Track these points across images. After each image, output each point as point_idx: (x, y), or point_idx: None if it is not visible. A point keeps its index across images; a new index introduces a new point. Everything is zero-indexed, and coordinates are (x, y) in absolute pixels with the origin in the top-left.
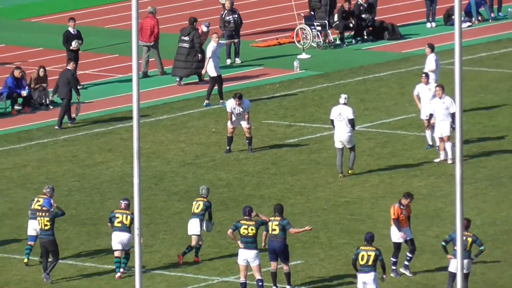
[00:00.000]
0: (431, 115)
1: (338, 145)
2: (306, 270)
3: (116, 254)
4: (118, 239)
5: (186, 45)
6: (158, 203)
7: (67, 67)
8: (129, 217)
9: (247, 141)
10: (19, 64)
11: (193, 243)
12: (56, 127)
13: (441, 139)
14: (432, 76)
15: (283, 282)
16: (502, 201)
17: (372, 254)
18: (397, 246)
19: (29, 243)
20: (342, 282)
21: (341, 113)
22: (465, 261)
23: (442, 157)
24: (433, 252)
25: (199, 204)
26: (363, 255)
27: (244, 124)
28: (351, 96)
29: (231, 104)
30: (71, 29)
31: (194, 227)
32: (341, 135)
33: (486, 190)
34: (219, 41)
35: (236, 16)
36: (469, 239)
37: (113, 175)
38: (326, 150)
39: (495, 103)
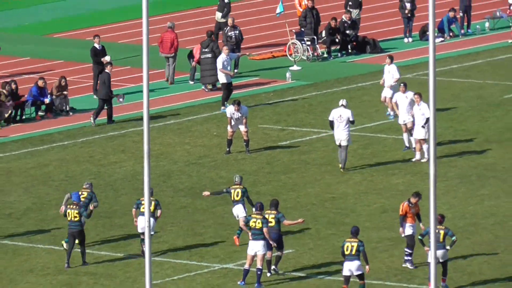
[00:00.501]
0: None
1: (338, 142)
2: (296, 258)
3: (142, 236)
4: (142, 223)
5: (209, 55)
6: (165, 199)
7: (106, 70)
8: (152, 203)
9: (245, 143)
10: (42, 74)
11: (241, 223)
12: (92, 123)
13: (418, 141)
14: (390, 83)
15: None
16: (470, 197)
17: (355, 245)
18: (410, 238)
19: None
20: (329, 269)
21: (341, 115)
22: (442, 251)
23: (417, 157)
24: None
25: (237, 192)
26: (347, 246)
27: (242, 128)
28: (337, 103)
29: (230, 110)
30: (96, 45)
31: (239, 211)
32: (340, 134)
33: (456, 187)
34: (229, 53)
35: (237, 32)
36: (442, 232)
37: (126, 173)
38: (315, 151)
39: (465, 109)
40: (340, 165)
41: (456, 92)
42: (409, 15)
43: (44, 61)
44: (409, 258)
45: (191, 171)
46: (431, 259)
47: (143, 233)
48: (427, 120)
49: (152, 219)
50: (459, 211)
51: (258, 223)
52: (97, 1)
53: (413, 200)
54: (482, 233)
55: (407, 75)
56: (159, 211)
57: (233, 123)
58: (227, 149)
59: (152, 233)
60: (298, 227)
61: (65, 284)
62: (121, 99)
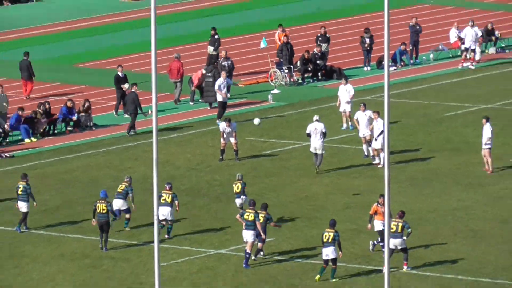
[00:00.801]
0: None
1: (313, 150)
2: (277, 245)
3: (163, 222)
4: (162, 212)
5: (211, 79)
6: None
7: (132, 90)
8: (170, 196)
9: (235, 152)
10: (70, 97)
11: (237, 217)
12: (127, 134)
13: (375, 150)
14: (346, 100)
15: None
16: (417, 196)
17: (332, 234)
18: (381, 233)
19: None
20: (303, 254)
21: (316, 128)
22: (399, 240)
23: (377, 160)
24: (368, 232)
25: (238, 186)
26: (326, 235)
27: (232, 140)
28: (309, 120)
29: (222, 125)
30: (120, 73)
31: (239, 201)
32: (316, 143)
33: (406, 188)
34: (226, 78)
35: (230, 62)
36: (400, 224)
37: (138, 177)
38: (292, 159)
39: (413, 125)
40: (317, 168)
41: (406, 110)
42: (368, 48)
43: (72, 86)
44: (376, 244)
45: (190, 175)
46: (385, 247)
47: (163, 220)
48: (382, 132)
49: (169, 208)
50: (408, 208)
51: (251, 216)
52: (115, 37)
53: (380, 201)
54: (427, 225)
55: (366, 97)
56: (176, 202)
57: (225, 136)
58: (220, 157)
59: (170, 218)
60: (278, 220)
61: (90, 266)
62: (148, 114)
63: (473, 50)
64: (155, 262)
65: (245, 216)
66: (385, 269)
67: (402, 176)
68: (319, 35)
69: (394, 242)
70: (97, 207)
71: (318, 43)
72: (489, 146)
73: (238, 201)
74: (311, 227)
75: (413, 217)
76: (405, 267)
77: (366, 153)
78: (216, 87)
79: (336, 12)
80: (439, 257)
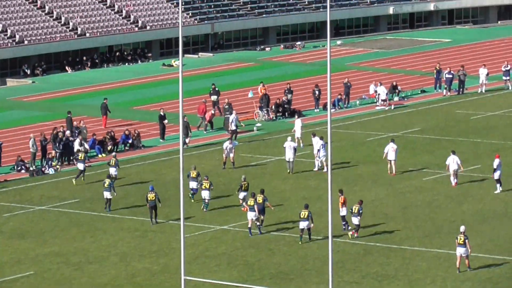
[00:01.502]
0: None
1: (287, 159)
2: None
3: (206, 200)
4: (204, 195)
5: (229, 115)
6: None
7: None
8: (208, 183)
9: (232, 163)
10: (128, 127)
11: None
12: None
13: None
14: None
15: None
16: (349, 192)
17: (306, 212)
18: (343, 217)
19: (192, 192)
20: (279, 227)
21: (290, 145)
22: (357, 218)
23: (316, 168)
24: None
25: (246, 185)
26: (302, 213)
27: (231, 155)
28: (280, 144)
29: (226, 144)
30: (162, 113)
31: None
32: (290, 155)
33: (342, 186)
34: (235, 116)
35: (227, 106)
36: (357, 208)
37: (170, 179)
38: (269, 168)
39: (345, 146)
40: (289, 171)
41: (341, 137)
42: (317, 97)
43: (129, 121)
44: (345, 227)
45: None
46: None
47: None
48: (319, 150)
49: (208, 191)
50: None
51: (251, 202)
52: (158, 90)
53: (340, 194)
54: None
55: (316, 128)
56: (212, 187)
57: (226, 152)
58: (223, 167)
59: (208, 198)
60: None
61: (139, 236)
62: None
63: (384, 99)
64: (181, 233)
65: (249, 203)
66: (330, 237)
67: (339, 178)
68: (286, 88)
69: (353, 220)
70: (148, 196)
71: (285, 94)
72: (393, 158)
73: (242, 194)
74: (281, 211)
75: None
76: (355, 235)
77: (318, 166)
78: (230, 120)
79: (297, 74)
80: (364, 230)
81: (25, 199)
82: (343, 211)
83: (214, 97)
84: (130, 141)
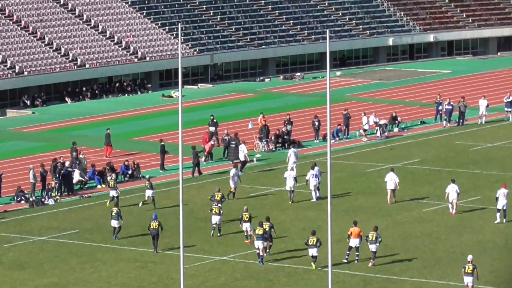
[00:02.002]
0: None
1: (288, 188)
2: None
3: (214, 225)
4: (215, 219)
5: (234, 145)
6: (197, 221)
7: (195, 150)
8: (219, 209)
9: (233, 194)
10: (128, 158)
11: (251, 232)
12: (195, 175)
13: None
14: (293, 160)
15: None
16: (349, 222)
17: (315, 239)
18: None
19: (213, 224)
20: (275, 258)
21: (290, 174)
22: (374, 245)
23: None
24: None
25: (247, 216)
26: (311, 240)
27: (232, 185)
28: (280, 175)
29: (232, 171)
30: (163, 143)
31: (248, 226)
32: (291, 183)
33: (342, 217)
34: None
35: (229, 137)
36: (374, 235)
37: (170, 211)
38: (268, 198)
39: (345, 177)
40: (290, 201)
41: (341, 168)
42: (317, 128)
43: (128, 152)
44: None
45: (205, 208)
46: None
47: (214, 224)
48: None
49: (219, 216)
50: (344, 229)
51: (260, 231)
52: (157, 120)
53: (352, 226)
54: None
55: (316, 159)
56: (221, 211)
57: (235, 179)
58: (227, 196)
59: (219, 223)
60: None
61: (139, 267)
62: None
63: (365, 129)
64: (181, 264)
65: (256, 231)
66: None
67: (338, 209)
68: (285, 120)
69: (371, 247)
70: (150, 224)
71: (285, 125)
72: (393, 188)
73: (245, 226)
74: (281, 242)
75: (345, 236)
76: (370, 264)
77: (316, 196)
78: (241, 149)
79: (296, 105)
80: (364, 261)
81: (25, 229)
82: (352, 242)
83: (212, 128)
84: (129, 172)
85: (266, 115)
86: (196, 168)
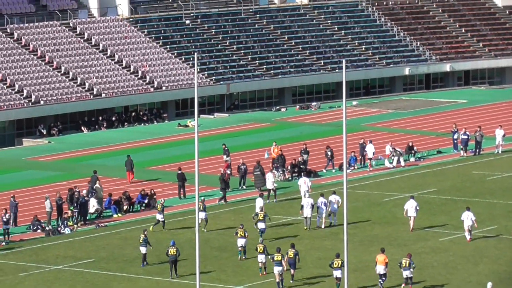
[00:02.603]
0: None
1: (305, 215)
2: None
3: (240, 248)
4: (241, 242)
5: (258, 172)
6: (211, 250)
7: (222, 172)
8: (244, 231)
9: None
10: (144, 188)
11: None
12: (222, 203)
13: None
14: (305, 190)
15: None
16: (364, 252)
17: (340, 262)
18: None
19: (239, 248)
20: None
21: (308, 201)
22: (408, 271)
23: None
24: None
25: (261, 247)
26: (335, 262)
27: (260, 211)
28: (296, 204)
29: (259, 201)
30: (180, 171)
31: (262, 257)
32: (307, 212)
33: (358, 247)
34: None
35: (245, 166)
36: (408, 261)
37: (186, 238)
38: (284, 228)
39: (361, 206)
40: (306, 228)
41: (356, 197)
42: (330, 157)
43: (144, 181)
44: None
45: (220, 237)
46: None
47: (240, 247)
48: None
49: (245, 239)
50: (359, 259)
51: (278, 257)
52: (174, 149)
53: (379, 254)
54: (371, 271)
55: (331, 188)
56: (247, 234)
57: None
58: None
59: (244, 245)
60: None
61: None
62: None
63: (370, 158)
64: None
65: (275, 258)
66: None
67: (355, 239)
68: (302, 149)
69: (405, 273)
70: (169, 251)
71: (301, 154)
72: (414, 215)
73: (260, 257)
74: (297, 272)
75: (362, 265)
76: (408, 287)
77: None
78: (269, 177)
79: (312, 135)
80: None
81: (41, 258)
82: (379, 269)
83: (225, 157)
84: (145, 201)
85: (281, 145)
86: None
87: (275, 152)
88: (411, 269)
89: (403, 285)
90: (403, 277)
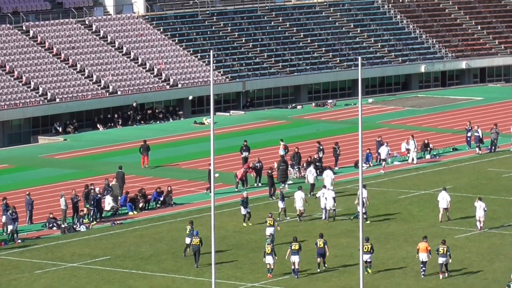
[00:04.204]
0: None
1: (323, 206)
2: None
3: (268, 236)
4: (270, 231)
5: (284, 167)
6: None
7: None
8: (273, 220)
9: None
10: (160, 185)
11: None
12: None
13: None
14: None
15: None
16: (380, 249)
17: (369, 245)
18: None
19: (267, 236)
20: (311, 285)
21: (324, 193)
22: (444, 258)
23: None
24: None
25: (269, 248)
26: (365, 246)
27: (301, 207)
28: (311, 202)
29: (300, 194)
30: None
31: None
32: (330, 203)
33: (373, 243)
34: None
35: (260, 164)
36: (445, 248)
37: (201, 237)
38: (302, 225)
39: (376, 204)
40: (328, 219)
41: (372, 194)
42: (338, 154)
43: (160, 178)
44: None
45: (236, 235)
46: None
47: (269, 235)
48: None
49: (273, 227)
50: (374, 256)
51: (296, 246)
52: (189, 147)
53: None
54: (387, 268)
55: (348, 186)
56: (276, 223)
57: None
58: (298, 219)
59: (273, 233)
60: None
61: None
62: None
63: (384, 159)
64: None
65: (293, 247)
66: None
67: (371, 236)
68: (318, 146)
69: (441, 260)
70: (192, 241)
71: (317, 151)
72: (445, 206)
73: (268, 259)
74: (314, 269)
75: (377, 262)
76: (445, 275)
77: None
78: (309, 173)
79: (328, 132)
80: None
81: (57, 256)
82: (422, 257)
83: (245, 154)
84: (161, 198)
85: (298, 142)
86: (272, 189)
87: (283, 148)
88: (447, 256)
89: (440, 274)
90: (439, 263)
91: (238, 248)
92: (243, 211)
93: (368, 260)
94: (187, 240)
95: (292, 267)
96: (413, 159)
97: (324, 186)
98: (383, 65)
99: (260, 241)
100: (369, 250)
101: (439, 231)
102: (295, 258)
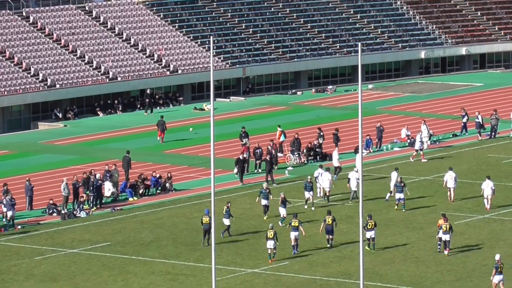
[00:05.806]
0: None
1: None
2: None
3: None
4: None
5: (259, 151)
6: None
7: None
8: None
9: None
10: (159, 172)
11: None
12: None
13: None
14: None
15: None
16: (380, 235)
17: (373, 223)
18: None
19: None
20: (311, 270)
21: (321, 174)
22: (448, 235)
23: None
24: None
25: (271, 233)
26: (370, 223)
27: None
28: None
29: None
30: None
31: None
32: (325, 183)
33: (381, 230)
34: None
35: (260, 150)
36: (448, 225)
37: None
38: (301, 212)
39: (376, 189)
40: (327, 200)
41: (373, 181)
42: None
43: (161, 164)
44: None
45: (236, 221)
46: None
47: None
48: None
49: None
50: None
51: (295, 223)
52: (189, 133)
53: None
54: (386, 253)
55: (347, 172)
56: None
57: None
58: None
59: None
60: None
61: (171, 280)
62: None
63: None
64: (213, 277)
65: (293, 224)
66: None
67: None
68: (318, 132)
69: (445, 237)
70: (202, 219)
71: (317, 138)
72: (453, 186)
73: (269, 243)
74: (313, 255)
75: (377, 248)
76: (447, 252)
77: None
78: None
79: (328, 118)
80: (396, 274)
81: (57, 242)
82: (440, 233)
83: (245, 140)
84: (158, 182)
85: (298, 128)
86: (269, 175)
87: (279, 136)
88: (451, 233)
89: (445, 251)
90: (442, 240)
91: (238, 234)
92: (263, 202)
93: (373, 236)
94: (225, 222)
95: (292, 243)
96: (425, 144)
97: (321, 166)
98: (383, 51)
99: (260, 226)
100: (372, 227)
101: (439, 217)
102: (295, 235)
